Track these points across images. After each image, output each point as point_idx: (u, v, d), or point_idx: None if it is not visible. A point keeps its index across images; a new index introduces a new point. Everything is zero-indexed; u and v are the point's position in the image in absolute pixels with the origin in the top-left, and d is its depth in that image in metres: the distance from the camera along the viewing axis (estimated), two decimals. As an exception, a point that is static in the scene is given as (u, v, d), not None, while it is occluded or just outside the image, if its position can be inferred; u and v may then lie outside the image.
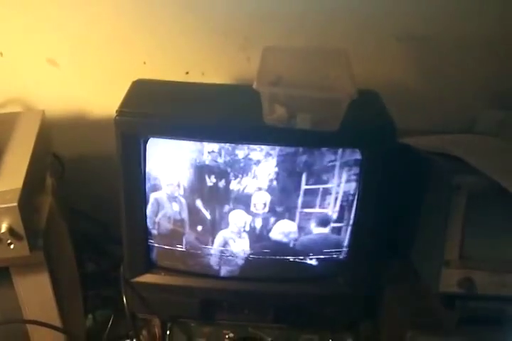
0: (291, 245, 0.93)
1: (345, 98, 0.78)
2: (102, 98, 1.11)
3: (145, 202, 0.90)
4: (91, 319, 1.08)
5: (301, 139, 0.84)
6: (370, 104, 0.90)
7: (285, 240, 0.92)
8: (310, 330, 1.01)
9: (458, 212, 0.81)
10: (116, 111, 0.85)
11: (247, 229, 0.92)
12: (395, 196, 0.95)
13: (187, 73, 1.11)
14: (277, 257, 0.94)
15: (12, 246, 0.74)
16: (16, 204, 0.72)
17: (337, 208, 0.90)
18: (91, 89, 1.12)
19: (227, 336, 1.01)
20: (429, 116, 1.12)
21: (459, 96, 1.13)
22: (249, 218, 0.91)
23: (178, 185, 0.90)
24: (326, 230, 0.92)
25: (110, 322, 0.99)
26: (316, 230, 0.92)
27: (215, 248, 0.94)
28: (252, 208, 0.90)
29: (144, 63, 1.10)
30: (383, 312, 0.97)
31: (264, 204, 0.90)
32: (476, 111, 1.12)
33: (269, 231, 0.92)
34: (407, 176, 0.96)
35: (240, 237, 0.93)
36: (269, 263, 0.95)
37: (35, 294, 0.80)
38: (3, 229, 0.72)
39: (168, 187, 0.90)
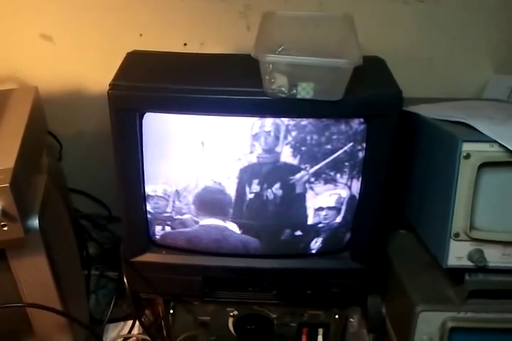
0: (298, 219, 0.91)
1: (348, 65, 0.76)
2: (97, 73, 1.09)
3: (143, 180, 0.88)
4: (94, 299, 1.08)
5: (303, 110, 0.82)
6: (375, 71, 0.88)
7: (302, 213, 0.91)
8: (316, 306, 1.00)
9: (467, 181, 0.78)
10: (110, 84, 0.82)
11: (254, 202, 0.89)
12: (401, 166, 0.93)
13: (185, 44, 1.08)
14: (283, 232, 0.92)
15: (6, 228, 0.72)
16: (7, 184, 0.70)
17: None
18: (86, 64, 1.10)
19: (231, 314, 1.01)
20: (437, 83, 1.11)
21: (468, 61, 1.11)
22: (255, 192, 0.89)
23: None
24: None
25: (112, 303, 0.98)
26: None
27: (218, 223, 0.92)
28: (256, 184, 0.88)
29: (140, 35, 1.08)
30: (391, 286, 0.95)
31: (268, 179, 0.88)
32: (486, 77, 1.11)
33: (278, 204, 0.89)
34: (414, 145, 0.93)
35: (246, 212, 0.90)
36: (274, 238, 0.93)
37: (34, 277, 0.79)
38: (-4, 211, 0.71)
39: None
